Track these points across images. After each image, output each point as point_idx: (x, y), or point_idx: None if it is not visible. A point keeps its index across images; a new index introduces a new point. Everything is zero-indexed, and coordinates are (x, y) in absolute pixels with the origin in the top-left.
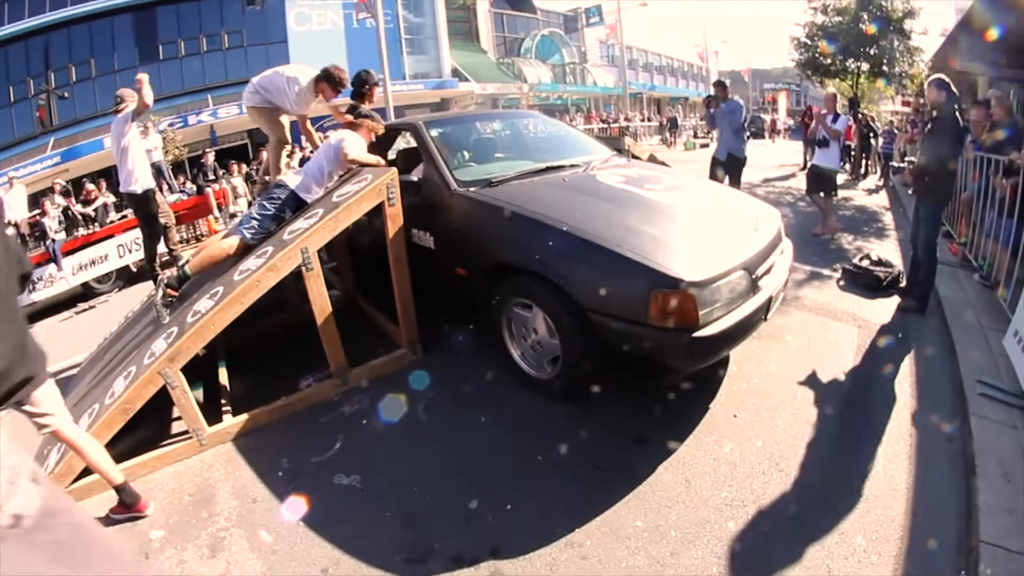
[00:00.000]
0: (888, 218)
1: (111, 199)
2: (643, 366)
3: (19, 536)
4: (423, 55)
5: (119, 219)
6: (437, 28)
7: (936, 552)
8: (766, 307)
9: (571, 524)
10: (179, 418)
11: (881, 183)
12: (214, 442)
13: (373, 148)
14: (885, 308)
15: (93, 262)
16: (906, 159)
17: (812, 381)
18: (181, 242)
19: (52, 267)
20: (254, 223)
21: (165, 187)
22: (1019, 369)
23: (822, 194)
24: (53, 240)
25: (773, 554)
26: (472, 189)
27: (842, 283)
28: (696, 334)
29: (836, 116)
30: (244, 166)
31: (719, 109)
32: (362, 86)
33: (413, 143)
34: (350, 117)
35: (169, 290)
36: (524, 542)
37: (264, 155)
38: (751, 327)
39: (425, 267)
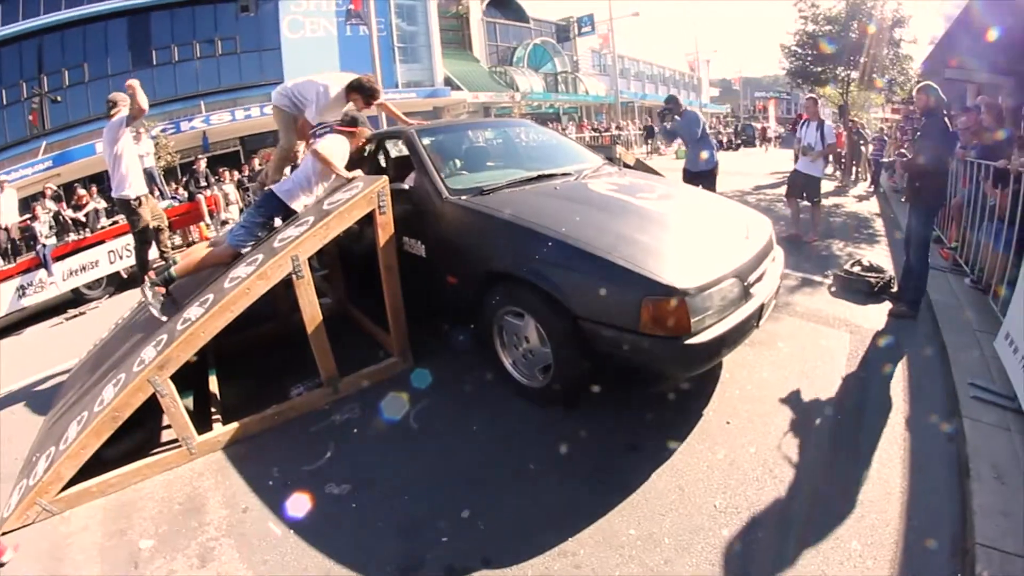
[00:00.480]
0: (879, 224)
1: (102, 204)
2: (635, 374)
3: None
4: (416, 63)
5: (110, 225)
6: (430, 37)
7: (932, 555)
8: (758, 314)
9: (564, 533)
10: (169, 426)
11: (871, 189)
12: (204, 451)
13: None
14: (877, 313)
15: (84, 268)
16: (896, 152)
17: (805, 387)
18: (173, 248)
19: (42, 272)
20: (242, 231)
21: (156, 193)
22: (1011, 371)
23: (807, 202)
24: (44, 245)
25: (768, 561)
26: (464, 197)
27: (833, 289)
28: (688, 341)
29: (820, 123)
30: (236, 173)
31: (676, 123)
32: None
33: (405, 151)
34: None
35: (157, 288)
36: (517, 551)
37: (256, 162)
38: (743, 334)
39: (416, 275)
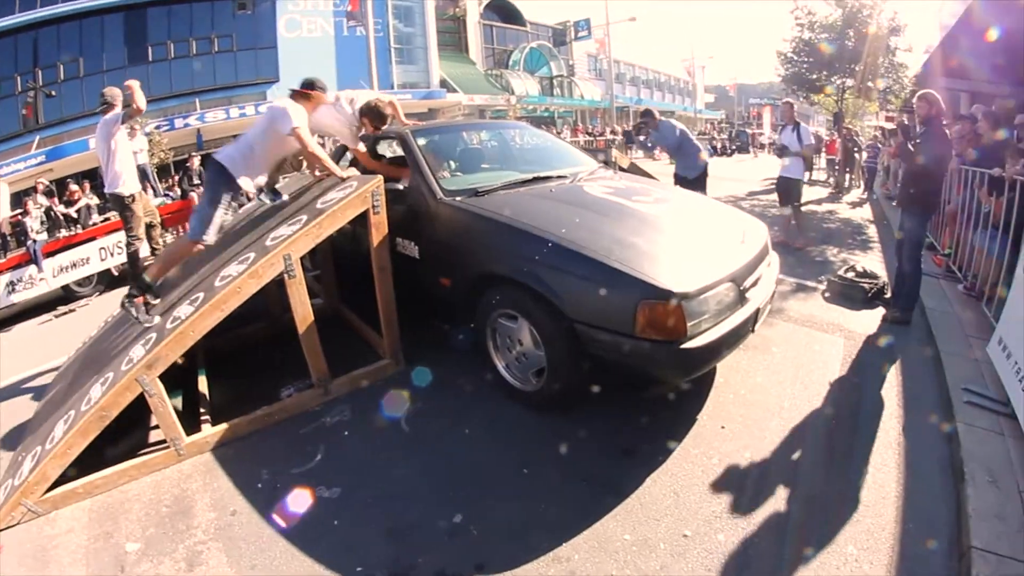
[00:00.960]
0: (872, 230)
1: (94, 200)
2: (630, 378)
3: None
4: (412, 65)
5: (102, 221)
6: (427, 38)
7: (928, 558)
8: (753, 319)
9: (558, 538)
10: (157, 427)
11: (865, 196)
12: (192, 452)
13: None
14: (870, 319)
15: (74, 264)
16: (892, 157)
17: (799, 392)
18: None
19: (32, 268)
20: (194, 219)
21: (149, 190)
22: (1004, 376)
23: (788, 207)
24: (34, 241)
25: (764, 566)
26: (458, 199)
27: (827, 295)
28: (684, 345)
29: (796, 126)
30: None
31: (652, 136)
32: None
33: (400, 151)
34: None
35: (136, 300)
36: (510, 557)
37: None
38: (739, 338)
39: (410, 276)
